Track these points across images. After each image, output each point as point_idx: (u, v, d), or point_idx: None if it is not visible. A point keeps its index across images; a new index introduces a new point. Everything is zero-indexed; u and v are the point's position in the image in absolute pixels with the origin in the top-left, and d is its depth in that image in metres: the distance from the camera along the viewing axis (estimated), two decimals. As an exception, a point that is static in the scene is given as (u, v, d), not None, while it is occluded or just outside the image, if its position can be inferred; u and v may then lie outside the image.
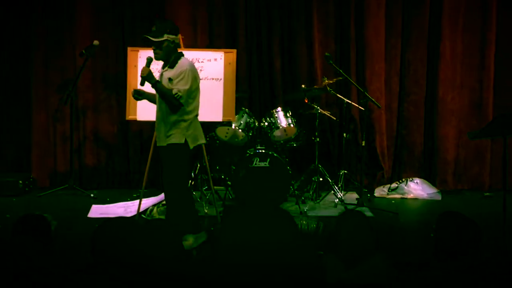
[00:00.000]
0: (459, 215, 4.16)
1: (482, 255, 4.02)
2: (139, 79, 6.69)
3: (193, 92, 6.74)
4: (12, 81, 9.85)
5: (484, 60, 9.71)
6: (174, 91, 6.56)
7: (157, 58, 6.74)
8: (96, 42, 9.02)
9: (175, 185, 6.83)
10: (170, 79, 6.65)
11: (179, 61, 6.73)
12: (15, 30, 9.74)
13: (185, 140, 6.70)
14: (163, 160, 6.88)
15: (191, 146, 6.75)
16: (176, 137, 6.70)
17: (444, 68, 9.65)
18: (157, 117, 6.90)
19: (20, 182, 9.29)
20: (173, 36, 6.70)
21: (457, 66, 9.68)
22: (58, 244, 4.45)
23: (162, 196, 8.66)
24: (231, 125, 8.67)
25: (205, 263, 3.41)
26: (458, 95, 9.74)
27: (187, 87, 6.61)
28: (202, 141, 6.96)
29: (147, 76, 6.56)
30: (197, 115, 6.85)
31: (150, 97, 7.00)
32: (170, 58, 6.74)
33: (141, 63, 8.10)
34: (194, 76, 6.72)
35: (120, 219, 3.86)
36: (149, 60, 6.70)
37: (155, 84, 6.59)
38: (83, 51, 9.01)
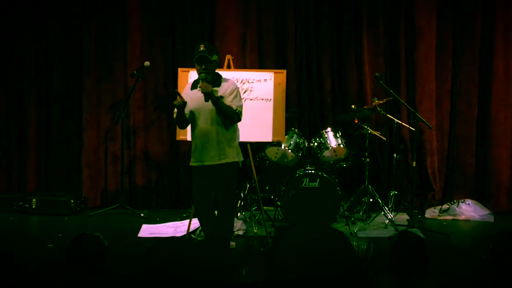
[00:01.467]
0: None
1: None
2: (192, 95, 6.72)
3: None
4: (64, 100, 9.97)
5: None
6: (234, 107, 6.65)
7: (207, 78, 6.71)
8: (147, 63, 9.11)
9: (231, 203, 6.97)
10: (221, 97, 6.65)
11: (224, 80, 6.84)
12: (68, 51, 9.89)
13: (237, 160, 6.82)
14: (214, 179, 6.81)
15: (241, 164, 6.87)
16: (232, 156, 6.78)
17: (497, 86, 9.54)
18: (204, 136, 6.80)
19: (72, 201, 9.39)
20: (217, 57, 6.85)
21: (510, 84, 9.56)
22: (109, 263, 4.48)
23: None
24: (280, 146, 8.68)
25: (259, 283, 3.40)
26: (511, 114, 9.60)
27: (241, 103, 6.78)
28: (241, 158, 7.00)
29: (211, 92, 6.57)
30: None
31: (184, 113, 6.86)
32: (214, 77, 6.79)
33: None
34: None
35: (173, 239, 3.88)
36: (203, 78, 6.68)
37: (218, 99, 6.59)
38: (134, 72, 9.11)
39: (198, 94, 6.73)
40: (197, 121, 6.84)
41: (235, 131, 6.88)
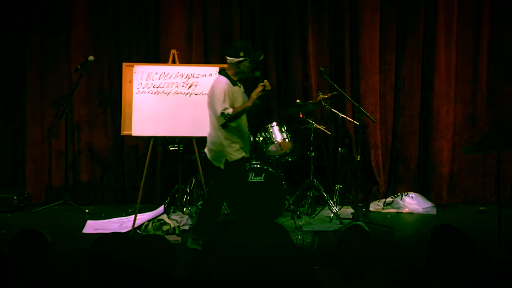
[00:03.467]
0: (453, 228, 4.16)
1: (477, 269, 4.03)
2: (238, 91, 7.26)
3: None
4: (7, 96, 9.82)
5: (477, 73, 9.75)
6: None
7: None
8: (91, 58, 9.04)
9: None
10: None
11: None
12: (10, 45, 9.72)
13: None
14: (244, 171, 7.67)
15: None
16: None
17: (439, 81, 9.67)
18: (246, 130, 7.46)
19: (15, 198, 9.26)
20: None
21: (451, 79, 9.70)
22: (53, 260, 4.44)
23: (157, 211, 8.67)
24: (226, 140, 8.66)
25: (201, 278, 3.41)
26: (452, 108, 9.75)
27: None
28: None
29: None
30: None
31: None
32: None
33: (136, 78, 8.13)
34: None
35: (116, 234, 3.86)
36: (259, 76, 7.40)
37: None
38: (78, 67, 9.03)
39: (242, 90, 7.31)
40: (243, 116, 7.28)
41: None
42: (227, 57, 7.27)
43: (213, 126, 7.26)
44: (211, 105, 7.18)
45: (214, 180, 7.65)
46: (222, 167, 7.25)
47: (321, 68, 8.58)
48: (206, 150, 7.43)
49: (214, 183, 7.63)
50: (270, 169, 8.45)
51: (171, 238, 7.65)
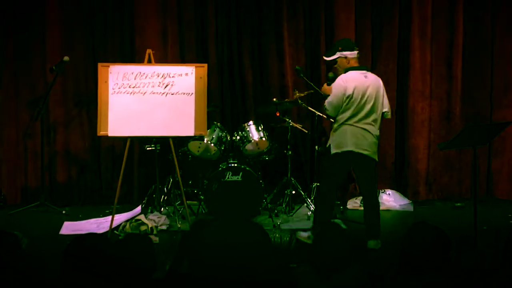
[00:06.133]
0: (429, 226, 4.19)
1: (453, 266, 4.05)
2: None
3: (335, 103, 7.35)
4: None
5: (451, 70, 9.79)
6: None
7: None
8: (66, 58, 8.98)
9: (320, 187, 7.90)
10: None
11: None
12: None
13: (329, 145, 7.41)
14: None
15: (332, 152, 7.32)
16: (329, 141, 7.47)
17: (414, 79, 9.72)
18: None
19: (-9, 199, 9.21)
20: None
21: (426, 76, 9.75)
22: (30, 261, 4.42)
23: (134, 211, 8.65)
24: (203, 140, 8.68)
25: (179, 278, 3.41)
26: (428, 105, 9.80)
27: (329, 99, 7.38)
28: (349, 148, 7.30)
29: None
30: (346, 124, 7.33)
31: None
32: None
33: (112, 79, 8.09)
34: (340, 88, 7.32)
35: (91, 235, 3.85)
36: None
37: None
38: (53, 67, 8.97)
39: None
40: None
41: (336, 121, 7.49)
42: (355, 51, 7.48)
43: (378, 122, 7.40)
44: (383, 101, 7.39)
45: (371, 174, 7.55)
46: (377, 159, 7.50)
47: (297, 67, 8.58)
48: (368, 147, 7.42)
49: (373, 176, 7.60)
50: (247, 168, 8.47)
51: (148, 238, 7.62)
